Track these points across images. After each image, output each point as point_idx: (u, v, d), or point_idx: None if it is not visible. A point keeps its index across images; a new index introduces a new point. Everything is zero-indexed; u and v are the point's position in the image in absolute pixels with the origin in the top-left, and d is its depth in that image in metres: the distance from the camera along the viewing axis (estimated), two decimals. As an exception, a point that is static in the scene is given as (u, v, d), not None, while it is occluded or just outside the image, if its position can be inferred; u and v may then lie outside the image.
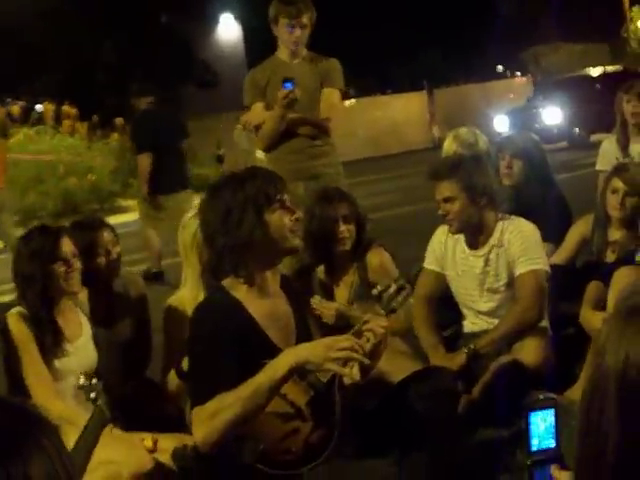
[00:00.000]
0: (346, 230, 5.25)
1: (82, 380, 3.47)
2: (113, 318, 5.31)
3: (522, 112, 25.87)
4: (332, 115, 6.44)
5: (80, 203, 20.46)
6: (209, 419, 3.48)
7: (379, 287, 3.98)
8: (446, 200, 4.93)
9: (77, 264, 4.69)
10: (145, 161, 10.80)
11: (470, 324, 5.20)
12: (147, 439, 4.42)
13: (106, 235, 5.27)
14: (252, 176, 3.74)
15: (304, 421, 3.62)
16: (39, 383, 4.55)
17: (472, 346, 4.80)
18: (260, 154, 7.84)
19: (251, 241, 3.60)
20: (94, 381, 3.42)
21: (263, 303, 3.73)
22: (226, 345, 3.54)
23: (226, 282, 3.75)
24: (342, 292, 5.35)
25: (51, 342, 4.62)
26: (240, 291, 3.71)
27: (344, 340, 3.50)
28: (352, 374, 3.57)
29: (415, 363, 4.77)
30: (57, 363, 4.63)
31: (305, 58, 6.49)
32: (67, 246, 4.69)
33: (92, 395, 3.39)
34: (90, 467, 3.15)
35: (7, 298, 6.18)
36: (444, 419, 3.86)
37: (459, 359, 4.77)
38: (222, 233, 3.63)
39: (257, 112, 6.43)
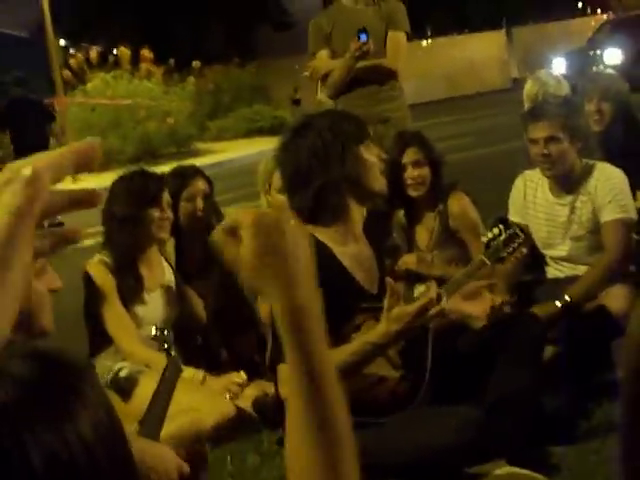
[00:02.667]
0: (417, 175, 5.16)
1: (154, 331, 3.47)
2: (206, 268, 5.29)
3: (580, 53, 24.58)
4: (399, 58, 6.35)
5: (158, 146, 20.58)
6: None
7: (489, 234, 3.90)
8: (550, 140, 4.77)
9: (170, 214, 4.71)
10: None
11: (553, 270, 5.10)
12: (238, 375, 4.46)
13: (200, 184, 5.24)
14: (341, 115, 3.68)
15: (393, 370, 3.58)
16: (122, 329, 4.58)
17: (567, 298, 4.67)
18: (326, 99, 7.90)
19: (351, 178, 3.53)
20: (166, 332, 3.42)
21: (348, 246, 3.67)
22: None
23: (308, 227, 3.68)
24: (422, 238, 5.28)
25: (132, 289, 4.64)
26: (324, 234, 3.63)
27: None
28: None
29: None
30: (137, 311, 4.66)
31: (368, 2, 6.39)
32: (166, 194, 4.72)
33: (165, 346, 3.40)
34: (172, 414, 3.17)
35: (88, 242, 6.23)
36: (530, 365, 3.81)
37: (553, 310, 4.66)
38: (319, 171, 3.52)
39: (323, 60, 6.36)
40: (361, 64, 6.09)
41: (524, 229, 4.04)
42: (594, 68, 20.58)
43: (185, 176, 5.24)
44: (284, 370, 3.50)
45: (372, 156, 3.60)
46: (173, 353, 3.39)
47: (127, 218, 4.58)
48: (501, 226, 3.96)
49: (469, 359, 3.88)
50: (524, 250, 3.94)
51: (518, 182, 5.12)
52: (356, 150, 3.56)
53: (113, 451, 1.11)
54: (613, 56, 23.04)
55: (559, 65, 24.23)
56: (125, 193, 4.63)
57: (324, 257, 3.60)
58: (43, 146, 11.57)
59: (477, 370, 3.82)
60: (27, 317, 2.65)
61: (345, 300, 3.56)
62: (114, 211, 4.62)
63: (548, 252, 5.05)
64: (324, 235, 3.63)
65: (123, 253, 4.62)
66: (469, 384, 3.79)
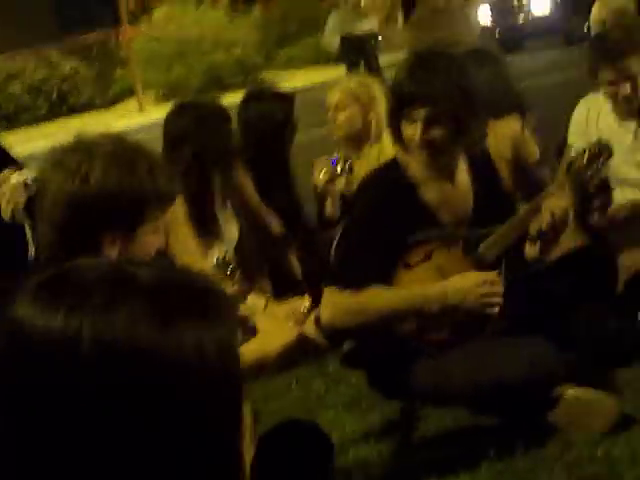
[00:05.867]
0: None
1: (215, 260, 3.50)
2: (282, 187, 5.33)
3: (505, 2, 20.08)
4: None
5: (225, 76, 20.53)
6: (343, 312, 3.56)
7: (572, 154, 3.79)
8: (631, 78, 4.60)
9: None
10: None
11: (619, 197, 4.98)
12: (302, 300, 4.46)
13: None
14: None
15: (463, 309, 3.55)
16: (189, 256, 4.58)
17: None
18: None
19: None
20: (228, 257, 3.44)
21: (439, 183, 3.66)
22: (386, 230, 3.50)
23: (402, 158, 3.67)
24: None
25: (200, 218, 4.64)
26: (417, 170, 3.63)
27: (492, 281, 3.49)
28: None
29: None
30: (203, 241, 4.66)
31: None
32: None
33: (229, 272, 3.42)
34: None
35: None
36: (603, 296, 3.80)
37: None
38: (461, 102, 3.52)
39: None
40: None
41: (608, 145, 3.92)
42: (520, 16, 18.86)
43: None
44: (333, 296, 3.53)
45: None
46: (237, 277, 3.41)
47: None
48: (585, 145, 3.87)
49: (540, 291, 3.85)
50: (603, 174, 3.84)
51: (581, 107, 4.97)
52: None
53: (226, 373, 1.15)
54: (540, 3, 19.76)
55: (484, 14, 19.22)
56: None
57: (406, 195, 3.61)
58: None
59: (548, 302, 3.80)
60: None
61: (417, 231, 3.58)
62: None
63: (615, 176, 4.93)
64: (414, 169, 3.63)
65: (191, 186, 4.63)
66: (540, 315, 3.77)
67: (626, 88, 4.54)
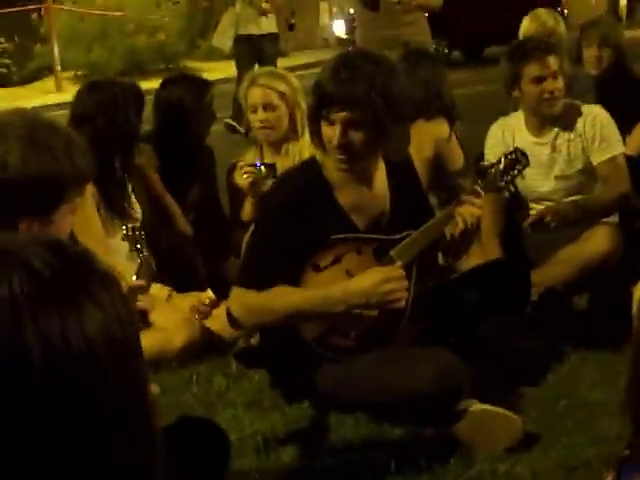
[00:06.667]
0: None
1: (125, 230, 3.42)
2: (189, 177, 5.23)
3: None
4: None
5: (146, 62, 20.27)
6: (248, 311, 3.53)
7: (489, 159, 3.79)
8: (554, 75, 4.64)
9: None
10: None
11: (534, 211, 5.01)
12: (206, 294, 4.37)
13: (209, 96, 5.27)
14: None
15: (369, 308, 3.50)
16: (92, 239, 4.45)
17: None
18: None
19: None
20: (137, 232, 3.37)
21: (355, 187, 3.63)
22: (297, 230, 3.45)
23: (320, 158, 3.63)
24: None
25: (106, 197, 4.52)
26: (333, 171, 3.59)
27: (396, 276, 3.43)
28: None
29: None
30: (108, 218, 4.53)
31: None
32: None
33: (137, 246, 3.36)
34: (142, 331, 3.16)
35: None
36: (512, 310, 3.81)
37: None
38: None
39: None
40: None
41: (525, 153, 3.92)
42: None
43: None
44: (240, 295, 3.55)
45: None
46: (145, 253, 3.35)
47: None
48: (502, 153, 3.88)
49: (450, 302, 3.83)
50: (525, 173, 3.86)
51: (494, 130, 4.98)
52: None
53: (121, 366, 1.12)
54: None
55: (339, 28, 21.24)
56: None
57: (320, 197, 3.59)
58: None
59: (457, 313, 3.80)
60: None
61: (329, 233, 3.56)
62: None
63: (533, 193, 4.94)
64: (331, 170, 3.59)
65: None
66: (449, 327, 3.75)
67: (552, 83, 4.59)
